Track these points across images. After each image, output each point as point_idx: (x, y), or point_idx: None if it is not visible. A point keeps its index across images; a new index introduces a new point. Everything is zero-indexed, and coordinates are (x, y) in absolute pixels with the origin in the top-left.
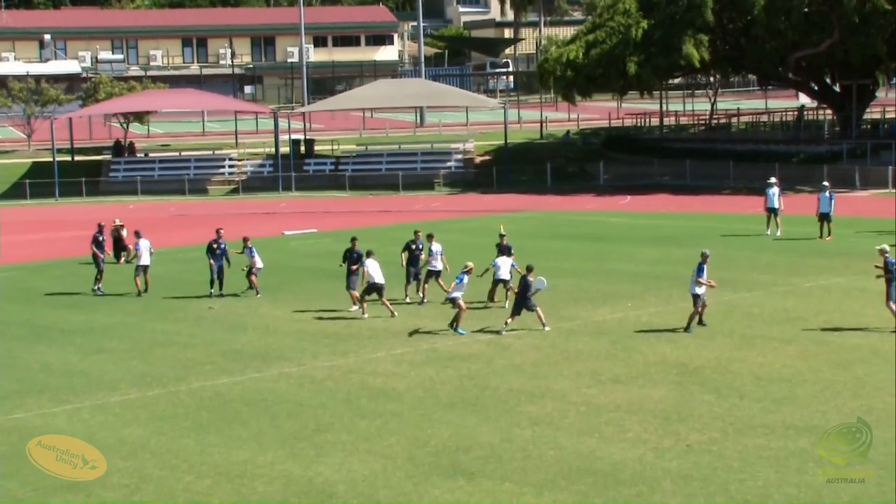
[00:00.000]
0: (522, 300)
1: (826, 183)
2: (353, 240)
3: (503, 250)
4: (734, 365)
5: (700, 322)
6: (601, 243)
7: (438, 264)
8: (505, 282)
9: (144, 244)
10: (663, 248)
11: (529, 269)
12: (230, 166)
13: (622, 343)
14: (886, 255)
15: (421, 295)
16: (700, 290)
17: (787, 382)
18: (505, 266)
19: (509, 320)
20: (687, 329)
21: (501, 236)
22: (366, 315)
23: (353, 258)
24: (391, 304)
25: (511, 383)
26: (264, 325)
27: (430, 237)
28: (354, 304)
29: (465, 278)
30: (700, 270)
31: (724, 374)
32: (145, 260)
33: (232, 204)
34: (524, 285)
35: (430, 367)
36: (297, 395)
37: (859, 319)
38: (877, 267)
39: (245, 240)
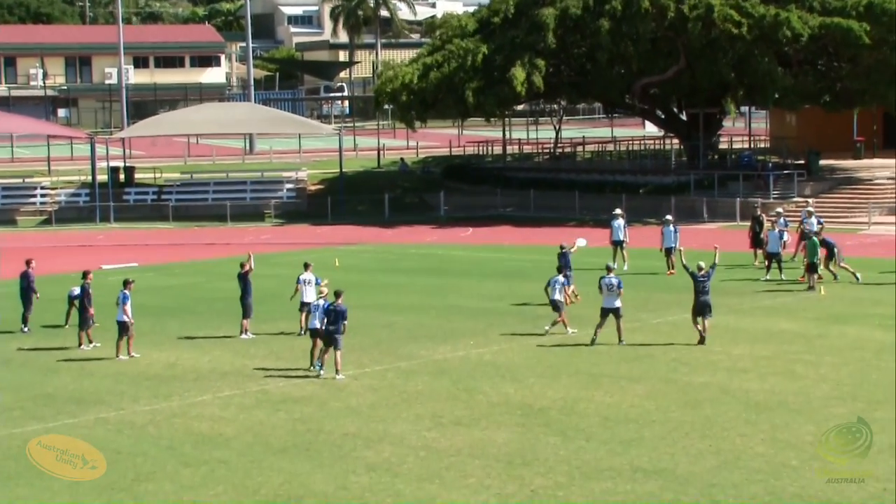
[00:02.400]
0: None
1: (669, 217)
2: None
3: None
4: (580, 405)
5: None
6: (442, 277)
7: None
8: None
9: None
10: (507, 283)
11: (338, 295)
12: (42, 195)
13: (464, 383)
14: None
15: (247, 334)
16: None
17: (634, 423)
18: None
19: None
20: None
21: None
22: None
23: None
24: (214, 338)
25: (346, 427)
26: (79, 367)
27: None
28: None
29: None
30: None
31: (570, 416)
32: None
33: (44, 236)
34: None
35: (260, 410)
36: (116, 443)
37: (707, 357)
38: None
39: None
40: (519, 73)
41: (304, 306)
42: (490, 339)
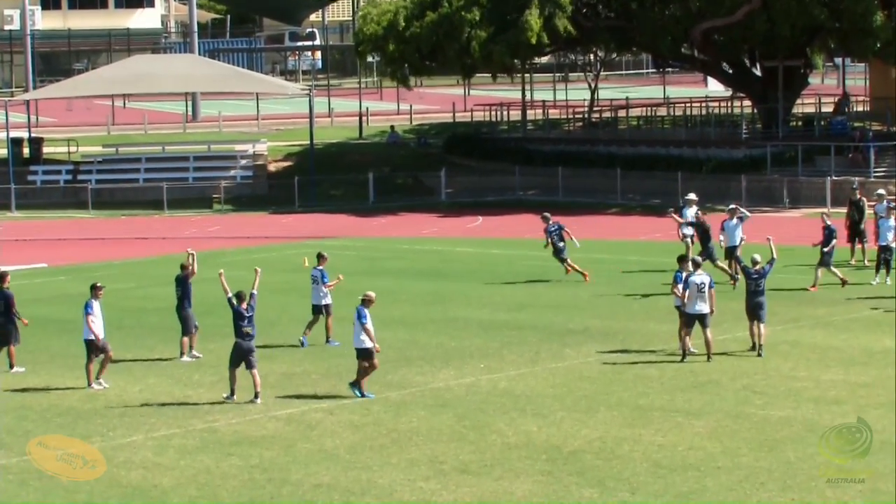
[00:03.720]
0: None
1: (734, 205)
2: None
3: None
4: (623, 448)
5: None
6: (443, 281)
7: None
8: None
9: None
10: (528, 288)
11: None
12: None
13: (472, 419)
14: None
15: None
16: None
17: (694, 471)
18: None
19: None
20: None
21: None
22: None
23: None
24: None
25: (319, 476)
26: None
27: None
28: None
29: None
30: None
31: (611, 461)
32: None
33: None
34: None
35: (206, 454)
36: (18, 497)
37: (788, 383)
38: None
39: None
40: (533, 21)
41: (315, 310)
42: (506, 361)
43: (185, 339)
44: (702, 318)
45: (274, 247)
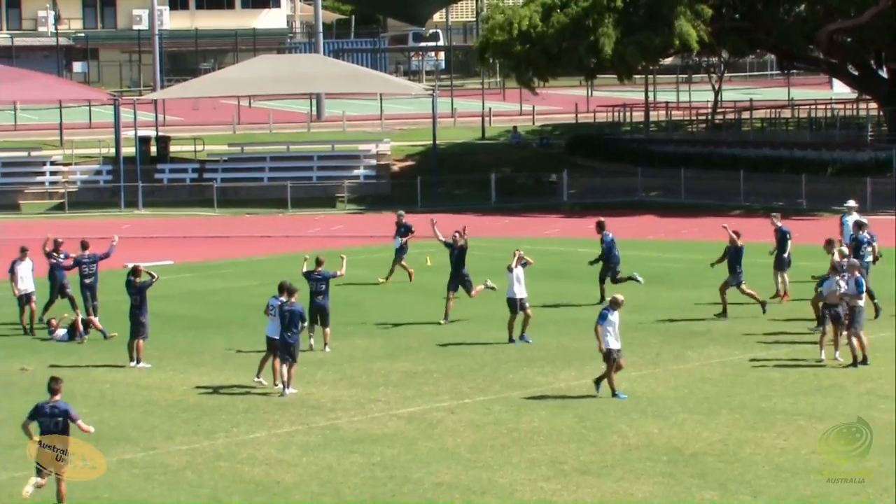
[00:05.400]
0: None
1: (852, 202)
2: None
3: None
4: (745, 450)
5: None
6: (564, 282)
7: None
8: None
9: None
10: (649, 290)
11: (291, 292)
12: (52, 173)
13: (593, 419)
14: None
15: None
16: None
17: (817, 475)
18: None
19: None
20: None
21: None
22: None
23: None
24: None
25: (440, 475)
26: (98, 394)
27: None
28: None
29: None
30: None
31: (732, 464)
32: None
33: (55, 225)
34: None
35: (328, 451)
36: (145, 491)
37: None
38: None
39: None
40: (687, 27)
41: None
42: (627, 361)
43: (140, 342)
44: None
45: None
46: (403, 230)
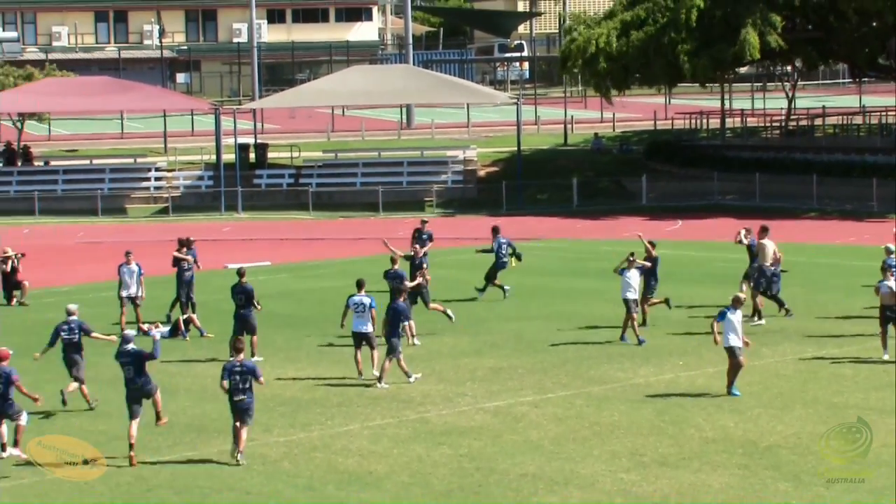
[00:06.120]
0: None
1: None
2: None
3: None
4: (819, 444)
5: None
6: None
7: None
8: None
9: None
10: (725, 290)
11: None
12: (157, 179)
13: (671, 413)
14: None
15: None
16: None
17: (888, 468)
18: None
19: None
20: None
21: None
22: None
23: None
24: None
25: (525, 466)
26: (200, 388)
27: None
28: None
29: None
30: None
31: (806, 456)
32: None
33: (159, 228)
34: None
35: (418, 443)
36: (244, 481)
37: None
38: None
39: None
40: (752, 37)
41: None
42: (704, 359)
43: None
44: None
45: (482, 247)
46: (425, 237)
